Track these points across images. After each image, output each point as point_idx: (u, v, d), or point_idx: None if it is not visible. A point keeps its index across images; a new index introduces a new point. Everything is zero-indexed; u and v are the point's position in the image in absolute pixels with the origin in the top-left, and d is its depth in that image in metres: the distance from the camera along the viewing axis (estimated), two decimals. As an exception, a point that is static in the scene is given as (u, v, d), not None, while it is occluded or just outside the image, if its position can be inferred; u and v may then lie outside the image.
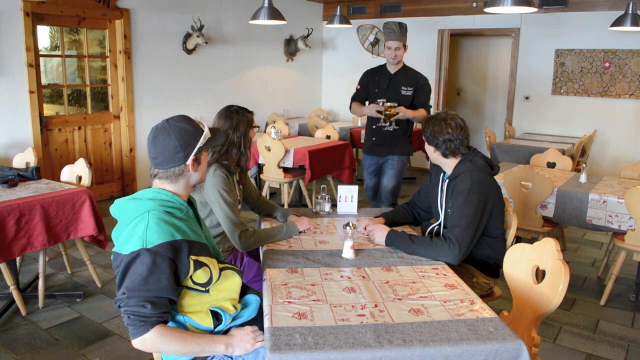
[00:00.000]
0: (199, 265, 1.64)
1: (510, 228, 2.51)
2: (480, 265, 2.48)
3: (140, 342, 1.54)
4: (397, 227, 2.59)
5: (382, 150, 4.10)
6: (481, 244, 2.41)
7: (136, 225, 1.56)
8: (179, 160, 1.65)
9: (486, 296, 2.56)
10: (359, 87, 4.15)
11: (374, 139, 4.12)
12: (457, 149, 2.41)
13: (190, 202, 1.81)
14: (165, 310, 1.56)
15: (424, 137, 2.51)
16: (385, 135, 4.06)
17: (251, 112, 2.61)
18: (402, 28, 3.84)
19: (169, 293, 1.54)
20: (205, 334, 1.67)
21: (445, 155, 2.44)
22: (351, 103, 4.17)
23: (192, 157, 1.67)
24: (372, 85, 4.06)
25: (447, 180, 2.47)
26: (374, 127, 4.10)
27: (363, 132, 6.45)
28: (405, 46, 3.90)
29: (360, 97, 4.16)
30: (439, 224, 2.53)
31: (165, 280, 1.53)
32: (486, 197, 2.31)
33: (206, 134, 1.71)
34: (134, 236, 1.54)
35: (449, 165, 2.46)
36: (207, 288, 1.68)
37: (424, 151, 2.57)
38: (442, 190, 2.51)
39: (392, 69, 3.98)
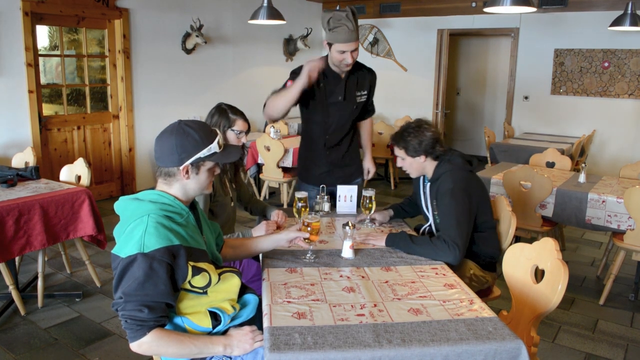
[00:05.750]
0: (197, 271, 1.63)
1: (510, 227, 2.51)
2: (475, 261, 2.49)
3: (138, 346, 1.53)
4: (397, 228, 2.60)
5: (331, 178, 2.96)
6: (473, 242, 2.42)
7: (135, 228, 1.56)
8: (172, 162, 1.64)
9: (485, 293, 2.56)
10: (290, 83, 2.79)
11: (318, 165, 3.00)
12: (443, 145, 2.42)
13: (194, 206, 1.79)
14: (163, 314, 1.55)
15: (406, 154, 2.41)
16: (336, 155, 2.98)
17: (238, 114, 2.50)
18: (356, 19, 2.65)
19: (166, 298, 1.53)
20: (203, 335, 1.66)
21: (436, 158, 2.42)
22: (267, 99, 2.83)
23: (186, 163, 1.64)
24: (317, 94, 2.86)
25: (428, 184, 2.50)
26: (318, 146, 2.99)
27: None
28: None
29: None
30: (429, 225, 2.57)
31: (163, 285, 1.52)
32: (469, 194, 2.35)
33: (213, 147, 1.66)
34: (132, 240, 1.54)
35: (429, 169, 2.46)
36: (205, 290, 1.67)
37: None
38: (424, 193, 2.55)
39: (344, 73, 2.84)
